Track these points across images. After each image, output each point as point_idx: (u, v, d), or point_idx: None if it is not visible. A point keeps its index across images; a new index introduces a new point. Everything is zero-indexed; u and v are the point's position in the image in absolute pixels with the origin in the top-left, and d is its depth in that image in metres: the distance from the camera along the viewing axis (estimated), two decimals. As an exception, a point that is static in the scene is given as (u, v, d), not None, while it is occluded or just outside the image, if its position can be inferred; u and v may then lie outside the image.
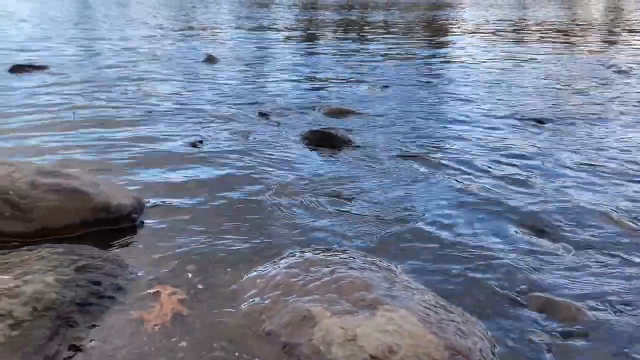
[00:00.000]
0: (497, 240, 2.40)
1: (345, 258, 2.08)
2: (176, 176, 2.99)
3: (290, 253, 2.15)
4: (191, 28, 13.65)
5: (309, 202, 2.70)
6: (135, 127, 4.03)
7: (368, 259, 2.10)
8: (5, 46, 8.88)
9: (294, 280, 1.89)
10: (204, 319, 1.71)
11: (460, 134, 4.10)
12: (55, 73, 6.29)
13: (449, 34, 13.68)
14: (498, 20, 19.08)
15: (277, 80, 6.28)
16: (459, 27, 15.81)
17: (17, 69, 6.34)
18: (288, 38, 12.01)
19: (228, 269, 2.06)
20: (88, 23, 14.94)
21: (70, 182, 2.27)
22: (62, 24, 14.11)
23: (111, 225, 2.30)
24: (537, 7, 23.11)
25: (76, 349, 1.54)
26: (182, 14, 19.54)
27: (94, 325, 1.63)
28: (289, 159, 3.35)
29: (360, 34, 13.50)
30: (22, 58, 7.30)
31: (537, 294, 1.98)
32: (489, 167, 3.33)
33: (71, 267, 1.78)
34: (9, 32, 11.67)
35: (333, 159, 3.39)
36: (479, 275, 2.10)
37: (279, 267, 2.01)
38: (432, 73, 7.09)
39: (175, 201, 2.65)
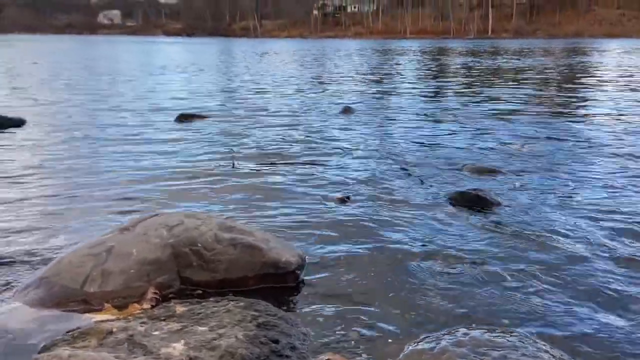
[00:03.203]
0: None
1: (515, 342, 1.98)
2: (330, 235, 3.11)
3: (454, 329, 2.10)
4: (327, 79, 14.44)
5: (465, 272, 2.63)
6: (284, 177, 4.32)
7: (539, 345, 1.98)
8: (171, 95, 10.19)
9: (463, 361, 1.84)
10: (375, 393, 1.74)
11: (611, 194, 3.77)
12: (215, 122, 7.06)
13: (590, 82, 12.73)
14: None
15: (414, 133, 6.33)
16: (600, 75, 14.64)
17: (182, 118, 7.22)
18: (418, 87, 12.12)
19: (389, 340, 2.07)
20: (234, 73, 16.58)
21: (246, 237, 2.49)
22: (215, 74, 15.83)
23: (278, 281, 2.46)
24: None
25: (261, 407, 1.65)
26: (317, 65, 20.78)
27: (274, 385, 1.74)
28: (440, 222, 3.31)
29: (493, 82, 13.15)
30: (185, 107, 8.31)
31: None
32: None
33: (253, 322, 1.94)
34: (172, 82, 13.39)
35: (484, 223, 3.29)
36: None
37: (444, 344, 1.98)
38: (575, 127, 6.63)
39: (330, 261, 2.75)
